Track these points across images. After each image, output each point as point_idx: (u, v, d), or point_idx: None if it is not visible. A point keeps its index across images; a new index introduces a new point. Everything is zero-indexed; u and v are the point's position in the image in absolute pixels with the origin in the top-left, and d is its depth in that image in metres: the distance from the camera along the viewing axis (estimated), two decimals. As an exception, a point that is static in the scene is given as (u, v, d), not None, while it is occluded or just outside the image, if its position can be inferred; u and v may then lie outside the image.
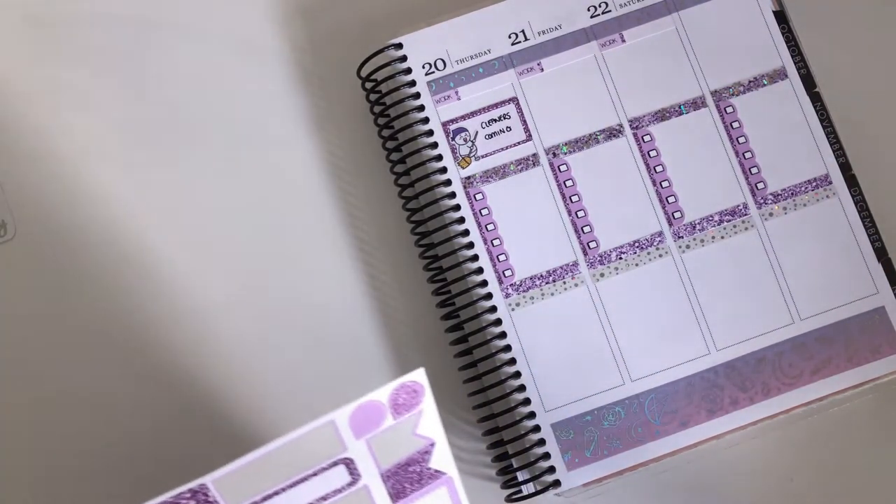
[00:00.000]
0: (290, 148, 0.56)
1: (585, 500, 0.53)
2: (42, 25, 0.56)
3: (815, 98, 0.53)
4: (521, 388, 0.51)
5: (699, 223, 0.52)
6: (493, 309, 0.51)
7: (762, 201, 0.52)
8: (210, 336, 0.54)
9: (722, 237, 0.52)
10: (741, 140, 0.53)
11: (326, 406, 0.54)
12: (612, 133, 0.53)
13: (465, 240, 0.52)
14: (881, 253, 0.52)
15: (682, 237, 0.52)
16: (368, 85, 0.54)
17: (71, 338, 0.54)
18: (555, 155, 0.52)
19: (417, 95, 0.53)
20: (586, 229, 0.52)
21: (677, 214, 0.52)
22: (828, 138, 0.53)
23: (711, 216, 0.52)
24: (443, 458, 0.39)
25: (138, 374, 0.54)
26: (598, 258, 0.52)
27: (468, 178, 0.52)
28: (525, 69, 0.53)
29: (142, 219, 0.55)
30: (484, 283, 0.51)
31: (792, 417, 0.51)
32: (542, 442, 0.50)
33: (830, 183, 0.52)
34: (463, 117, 0.53)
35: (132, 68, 0.56)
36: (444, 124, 0.53)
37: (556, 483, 0.50)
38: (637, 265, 0.52)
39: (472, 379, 0.52)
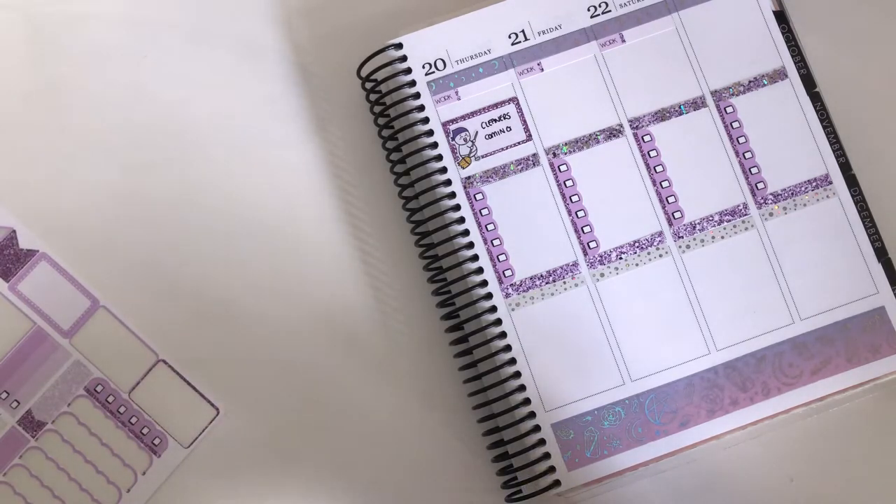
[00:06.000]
0: (290, 148, 0.56)
1: (585, 500, 0.53)
2: (42, 25, 0.56)
3: (815, 98, 0.53)
4: (521, 388, 0.51)
5: (699, 223, 0.52)
6: (493, 309, 0.51)
7: (762, 201, 0.52)
8: (209, 336, 0.54)
9: (722, 237, 0.52)
10: (741, 140, 0.53)
11: (325, 406, 0.54)
12: (612, 133, 0.53)
13: (465, 240, 0.52)
14: (881, 253, 0.52)
15: (682, 237, 0.52)
16: (368, 85, 0.54)
17: (71, 338, 0.54)
18: (555, 155, 0.52)
19: (417, 95, 0.53)
20: (586, 229, 0.52)
21: (677, 214, 0.52)
22: (828, 138, 0.53)
23: (711, 216, 0.52)
24: (31, 240, 0.45)
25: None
26: (598, 258, 0.52)
27: (468, 178, 0.52)
28: (525, 69, 0.53)
29: (141, 219, 0.55)
30: (484, 283, 0.51)
31: (792, 417, 0.51)
32: (542, 442, 0.50)
33: (830, 183, 0.52)
34: (463, 117, 0.53)
35: (132, 68, 0.56)
36: (444, 124, 0.53)
37: (557, 483, 0.50)
38: (637, 265, 0.52)
39: (472, 379, 0.52)
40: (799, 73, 0.53)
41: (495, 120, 0.53)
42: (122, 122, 0.55)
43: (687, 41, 0.53)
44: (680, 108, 0.53)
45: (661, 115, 0.53)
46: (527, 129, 0.53)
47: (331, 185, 0.55)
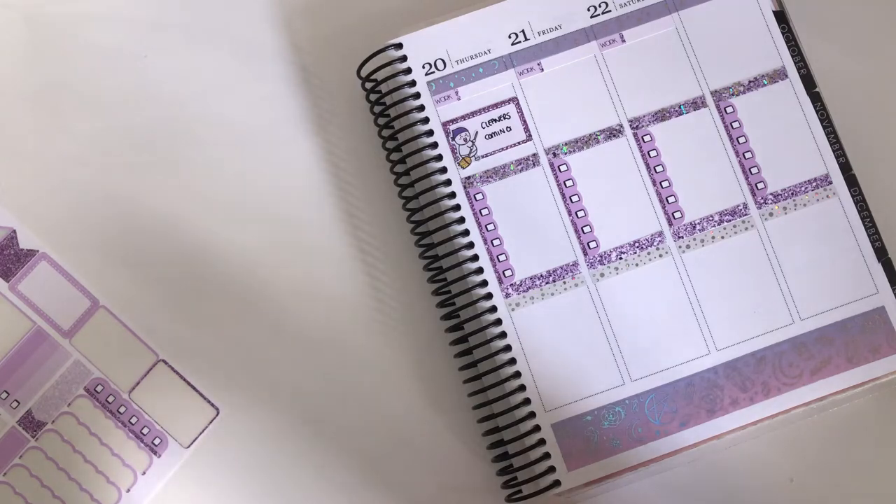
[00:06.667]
0: (290, 148, 0.56)
1: (585, 500, 0.53)
2: (42, 25, 0.56)
3: (815, 98, 0.53)
4: (521, 388, 0.51)
5: (699, 223, 0.52)
6: (493, 309, 0.51)
7: (762, 201, 0.52)
8: (209, 336, 0.54)
9: (722, 237, 0.52)
10: (741, 140, 0.53)
11: (325, 406, 0.54)
12: (612, 133, 0.53)
13: (465, 240, 0.52)
14: (881, 253, 0.52)
15: (682, 237, 0.52)
16: (368, 85, 0.54)
17: (71, 338, 0.54)
18: (555, 155, 0.52)
19: (417, 95, 0.53)
20: (586, 229, 0.52)
21: (677, 214, 0.52)
22: (828, 138, 0.53)
23: (711, 216, 0.52)
24: (31, 240, 0.46)
25: (138, 374, 0.54)
26: (598, 258, 0.52)
27: (468, 178, 0.52)
28: (525, 69, 0.53)
29: (141, 219, 0.55)
30: (484, 283, 0.51)
31: (792, 417, 0.51)
32: (542, 442, 0.50)
33: (830, 183, 0.52)
34: (463, 117, 0.53)
35: (132, 68, 0.56)
36: (444, 124, 0.53)
37: (557, 483, 0.50)
38: (637, 265, 0.52)
39: (472, 379, 0.52)
40: (799, 73, 0.53)
41: (495, 120, 0.53)
42: (122, 123, 0.55)
43: (687, 41, 0.53)
44: (680, 108, 0.53)
45: (661, 115, 0.53)
46: (527, 129, 0.53)
47: (331, 185, 0.55)
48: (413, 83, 0.53)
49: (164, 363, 0.54)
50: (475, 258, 0.52)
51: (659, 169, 0.52)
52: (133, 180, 0.55)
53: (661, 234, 0.52)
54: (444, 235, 0.52)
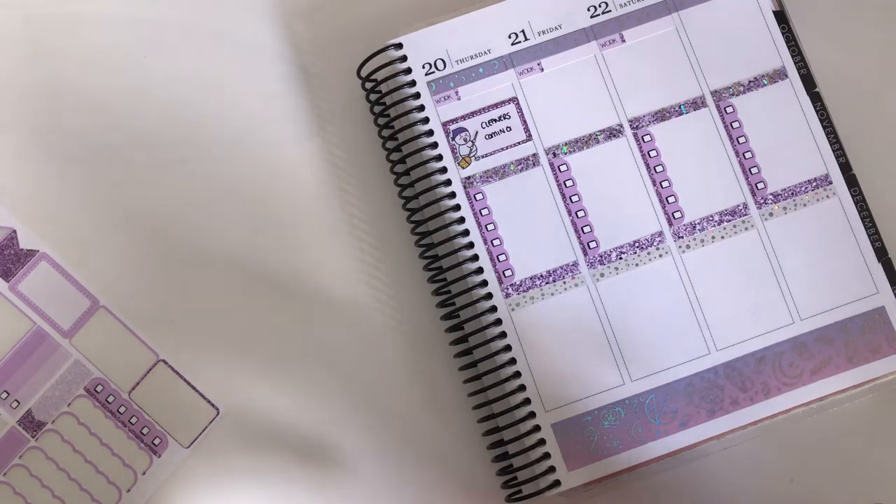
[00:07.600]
0: (290, 148, 0.56)
1: (585, 500, 0.53)
2: (42, 25, 0.56)
3: (815, 98, 0.53)
4: (522, 388, 0.51)
5: (699, 223, 0.52)
6: (493, 309, 0.51)
7: (762, 201, 0.52)
8: (209, 336, 0.54)
9: (722, 237, 0.52)
10: (741, 140, 0.53)
11: (325, 406, 0.54)
12: (612, 133, 0.53)
13: (465, 240, 0.52)
14: (881, 253, 0.52)
15: (682, 237, 0.52)
16: (368, 85, 0.54)
17: (71, 338, 0.54)
18: (555, 155, 0.52)
19: (417, 95, 0.53)
20: (586, 229, 0.52)
21: (677, 214, 0.52)
22: (828, 138, 0.53)
23: (711, 216, 0.52)
24: (31, 240, 0.46)
25: (138, 374, 0.54)
26: (598, 258, 0.52)
27: (468, 178, 0.52)
28: (525, 69, 0.53)
29: (141, 219, 0.55)
30: (484, 283, 0.51)
31: (792, 417, 0.51)
32: (542, 442, 0.50)
33: (830, 183, 0.52)
34: (463, 117, 0.53)
35: (133, 68, 0.56)
36: (444, 124, 0.53)
37: (557, 483, 0.50)
38: (637, 265, 0.52)
39: (472, 379, 0.52)
40: (799, 73, 0.53)
41: (495, 120, 0.53)
42: (121, 123, 0.55)
43: (687, 41, 0.53)
44: (680, 108, 0.53)
45: (661, 115, 0.53)
46: (527, 129, 0.53)
47: (331, 185, 0.55)
48: (413, 83, 0.53)
49: (164, 363, 0.54)
50: (475, 258, 0.52)
51: (659, 169, 0.52)
52: (133, 180, 0.55)
53: (661, 234, 0.52)
54: (444, 235, 0.52)
